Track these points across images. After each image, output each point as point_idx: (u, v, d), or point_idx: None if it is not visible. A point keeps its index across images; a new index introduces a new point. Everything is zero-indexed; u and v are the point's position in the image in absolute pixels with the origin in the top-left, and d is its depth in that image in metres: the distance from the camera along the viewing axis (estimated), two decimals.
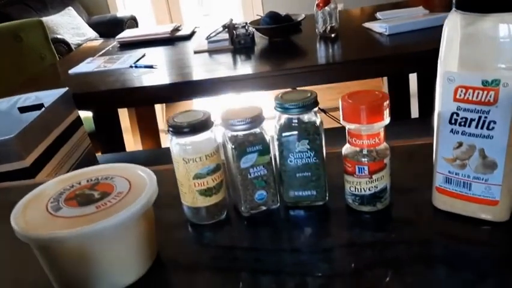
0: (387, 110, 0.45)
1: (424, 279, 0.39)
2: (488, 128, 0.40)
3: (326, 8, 1.48)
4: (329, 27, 1.49)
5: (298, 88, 1.38)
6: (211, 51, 1.52)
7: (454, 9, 0.41)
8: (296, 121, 0.48)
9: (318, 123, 0.48)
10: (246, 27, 1.52)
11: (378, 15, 1.60)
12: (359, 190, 0.47)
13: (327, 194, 0.50)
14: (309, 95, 0.48)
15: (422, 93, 1.71)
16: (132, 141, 1.76)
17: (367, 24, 1.53)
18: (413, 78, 1.76)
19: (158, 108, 2.09)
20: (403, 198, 0.50)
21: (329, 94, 1.77)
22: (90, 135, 1.23)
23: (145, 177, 0.46)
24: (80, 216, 0.40)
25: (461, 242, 0.43)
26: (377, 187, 0.47)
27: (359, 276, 0.41)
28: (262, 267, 0.43)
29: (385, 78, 1.94)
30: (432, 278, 0.39)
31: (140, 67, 1.41)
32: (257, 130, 0.48)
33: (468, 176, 0.43)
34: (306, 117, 0.48)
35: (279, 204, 0.51)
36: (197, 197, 0.49)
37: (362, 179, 0.46)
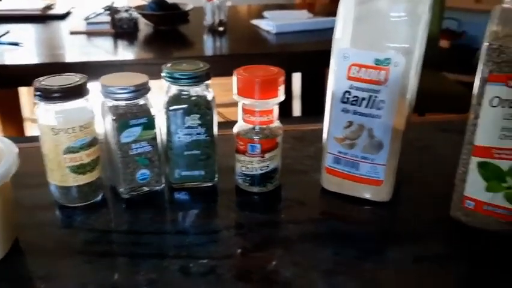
0: (282, 87, 0.43)
1: (312, 258, 0.38)
2: (377, 108, 0.41)
3: (216, 0, 1.46)
4: (217, 20, 1.47)
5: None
6: (90, 34, 1.40)
7: None
8: (186, 94, 0.44)
9: (210, 97, 0.45)
10: (130, 12, 1.43)
11: (266, 14, 1.63)
12: (250, 170, 0.45)
13: (217, 175, 0.47)
14: (201, 66, 0.44)
15: (305, 93, 1.78)
16: None
17: (255, 21, 1.54)
18: (296, 80, 1.82)
19: (25, 93, 1.87)
20: (293, 180, 0.49)
21: (217, 90, 1.75)
22: None
23: (3, 147, 0.38)
24: None
25: (346, 221, 0.43)
26: (268, 167, 0.45)
27: (248, 257, 0.39)
28: (143, 251, 0.39)
29: None
30: (319, 256, 0.38)
31: (3, 44, 1.24)
32: (141, 101, 0.43)
33: (356, 156, 0.43)
34: (197, 90, 0.44)
35: (163, 185, 0.47)
36: (68, 175, 0.42)
37: (254, 157, 0.44)
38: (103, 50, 1.29)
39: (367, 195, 0.45)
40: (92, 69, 1.20)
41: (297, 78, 1.81)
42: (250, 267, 0.37)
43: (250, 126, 0.44)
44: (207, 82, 0.44)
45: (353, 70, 0.41)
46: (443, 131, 0.59)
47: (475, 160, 0.39)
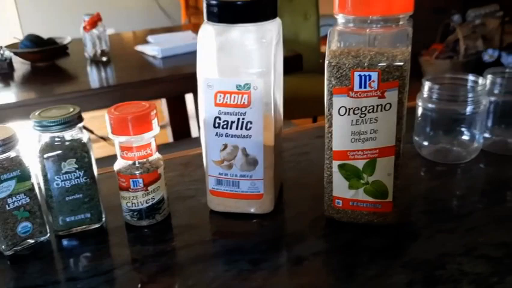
0: (156, 120, 0.45)
1: (205, 278, 0.40)
2: (246, 128, 0.44)
3: (94, 30, 1.43)
4: (99, 51, 1.44)
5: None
6: None
7: (205, 20, 0.44)
8: (60, 139, 0.44)
9: (84, 139, 0.45)
10: (1, 52, 1.35)
11: (150, 38, 1.63)
12: (136, 204, 0.46)
13: (104, 215, 0.47)
14: (71, 110, 0.44)
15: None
16: None
17: (139, 48, 1.54)
18: (190, 101, 1.84)
19: None
20: (182, 206, 0.50)
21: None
22: None
23: None
24: None
25: (235, 237, 0.46)
26: (154, 198, 0.46)
27: None
28: None
29: (164, 100, 1.98)
30: (212, 275, 0.40)
31: None
32: (12, 153, 0.42)
33: (235, 175, 0.46)
34: (70, 134, 0.44)
35: (48, 234, 0.46)
36: None
37: (138, 192, 0.45)
38: None
39: (252, 210, 0.48)
40: None
41: (190, 99, 1.83)
42: None
43: (130, 162, 0.45)
44: (80, 125, 0.45)
45: (219, 97, 0.44)
46: (317, 137, 0.65)
47: (335, 163, 0.44)
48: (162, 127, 2.15)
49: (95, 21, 1.41)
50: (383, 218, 0.44)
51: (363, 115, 0.41)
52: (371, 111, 0.41)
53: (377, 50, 0.40)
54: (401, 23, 0.41)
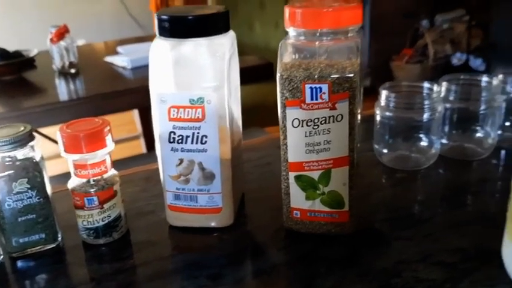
0: (110, 136, 0.44)
1: None
2: (202, 143, 0.44)
3: (62, 42, 1.41)
4: (67, 63, 1.42)
5: (38, 128, 1.27)
6: None
7: (157, 36, 0.44)
8: (10, 159, 0.43)
9: (37, 158, 0.44)
10: None
11: (119, 49, 1.62)
12: (92, 223, 0.45)
13: (60, 235, 0.46)
14: (22, 128, 0.43)
15: None
16: None
17: (108, 59, 1.52)
18: None
19: None
20: (141, 222, 0.50)
21: None
22: None
23: None
24: None
25: (194, 252, 0.45)
26: (110, 216, 0.45)
27: None
28: None
29: (136, 111, 1.96)
30: None
31: None
32: None
33: (193, 189, 0.46)
34: (21, 153, 0.43)
35: (2, 256, 0.45)
36: None
37: (93, 210, 0.44)
38: None
39: (211, 224, 0.48)
40: None
41: None
42: None
43: (84, 180, 0.44)
44: (32, 143, 0.44)
45: (173, 112, 0.44)
46: (278, 147, 0.65)
47: (292, 175, 0.44)
48: (135, 138, 2.14)
49: (62, 33, 1.40)
50: (340, 228, 0.45)
51: (316, 126, 0.42)
52: (323, 122, 0.41)
53: (327, 62, 0.41)
54: (350, 35, 0.42)
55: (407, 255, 0.43)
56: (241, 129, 0.51)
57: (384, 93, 0.56)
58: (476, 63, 2.40)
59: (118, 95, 1.34)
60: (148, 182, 0.58)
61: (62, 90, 1.39)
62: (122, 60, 1.46)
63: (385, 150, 0.59)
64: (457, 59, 2.46)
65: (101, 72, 1.52)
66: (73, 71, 1.43)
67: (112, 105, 1.35)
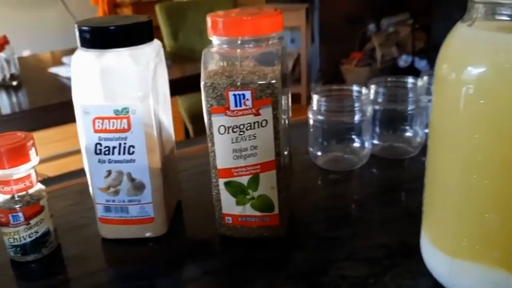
0: (34, 150, 0.43)
1: None
2: (129, 153, 0.44)
3: (2, 54, 1.37)
4: (8, 75, 1.37)
5: None
6: None
7: (79, 47, 0.43)
8: None
9: None
10: None
11: (64, 59, 1.58)
12: (18, 240, 0.44)
13: None
14: None
15: None
16: None
17: (53, 69, 1.49)
18: None
19: None
20: (74, 237, 0.49)
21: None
22: None
23: None
24: None
25: (127, 264, 0.45)
26: (37, 232, 0.44)
27: None
28: None
29: None
30: None
31: None
32: None
33: (123, 200, 0.46)
34: None
35: None
36: None
37: (19, 227, 0.43)
38: None
39: (145, 234, 0.47)
40: None
41: None
42: None
43: (8, 196, 0.43)
44: None
45: (97, 123, 0.43)
46: None
47: (221, 181, 0.44)
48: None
49: (1, 44, 1.35)
50: (272, 231, 0.46)
51: (242, 132, 0.42)
52: (248, 128, 0.42)
53: (250, 69, 0.42)
54: (270, 42, 0.43)
55: (335, 254, 0.44)
56: (173, 138, 0.51)
57: (315, 98, 0.58)
58: (421, 64, 2.50)
59: (62, 107, 1.31)
60: (82, 195, 0.56)
61: (4, 103, 1.35)
62: (67, 71, 1.43)
63: (319, 153, 0.60)
64: (403, 61, 2.55)
65: (45, 83, 1.48)
66: (14, 83, 1.38)
67: (57, 118, 1.32)
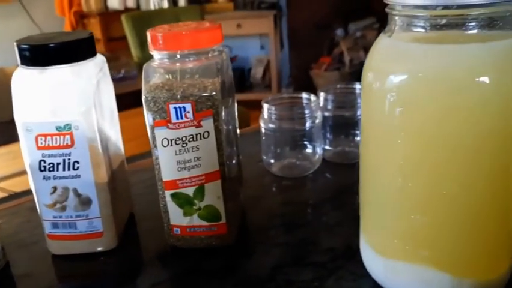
0: None
1: None
2: (74, 169, 0.44)
3: None
4: None
5: None
6: None
7: (19, 65, 0.43)
8: None
9: None
10: None
11: None
12: None
13: None
14: None
15: None
16: None
17: None
18: None
19: None
20: (23, 254, 0.49)
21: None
22: None
23: None
24: None
25: (79, 280, 0.45)
26: None
27: None
28: None
29: None
30: None
31: None
32: None
33: (71, 216, 0.46)
34: None
35: None
36: None
37: None
38: None
39: (96, 248, 0.47)
40: None
41: None
42: None
43: None
44: None
45: (40, 140, 0.43)
46: None
47: (167, 193, 0.45)
48: None
49: None
50: (220, 240, 0.46)
51: (184, 144, 0.43)
52: (191, 140, 0.43)
53: (190, 82, 0.43)
54: (210, 55, 0.44)
55: (282, 260, 0.45)
56: (122, 152, 0.52)
57: (266, 106, 0.59)
58: None
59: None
60: (33, 212, 0.56)
61: None
62: None
63: (273, 160, 0.61)
64: None
65: (9, 98, 1.45)
66: None
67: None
